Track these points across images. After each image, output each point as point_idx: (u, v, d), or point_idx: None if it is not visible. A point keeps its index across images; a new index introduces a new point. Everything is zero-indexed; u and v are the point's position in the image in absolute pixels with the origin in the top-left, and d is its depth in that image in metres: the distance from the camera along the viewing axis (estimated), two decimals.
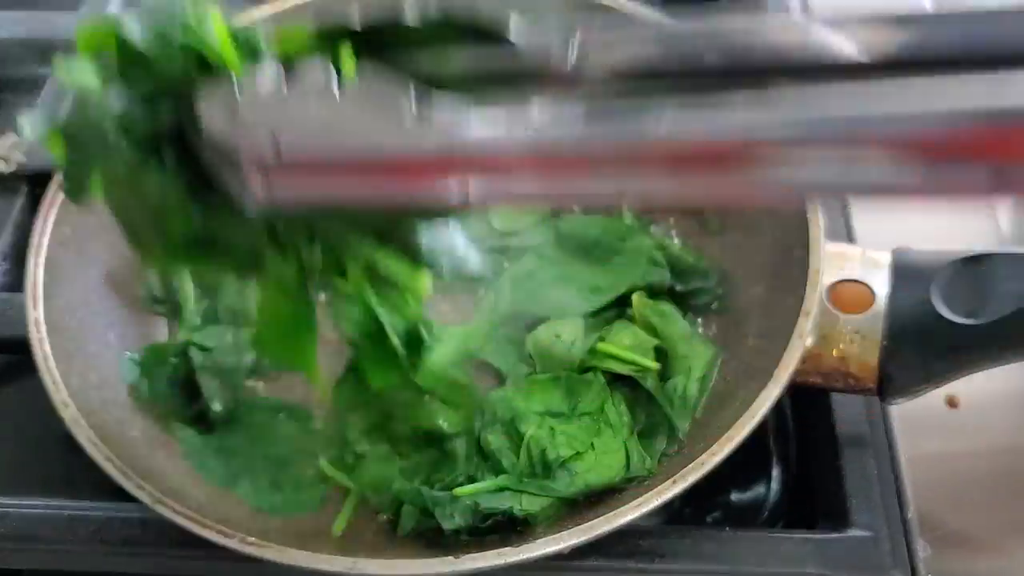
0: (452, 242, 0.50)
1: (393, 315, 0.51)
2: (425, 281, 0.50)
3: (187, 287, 0.66)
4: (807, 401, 0.66)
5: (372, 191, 0.39)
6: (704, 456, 0.51)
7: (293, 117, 0.38)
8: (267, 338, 0.52)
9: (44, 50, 0.85)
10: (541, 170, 0.36)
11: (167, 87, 0.41)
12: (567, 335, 0.63)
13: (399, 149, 0.37)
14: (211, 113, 0.39)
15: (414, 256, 0.48)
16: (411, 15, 0.41)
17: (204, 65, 0.41)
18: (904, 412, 0.64)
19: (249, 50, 0.42)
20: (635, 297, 0.64)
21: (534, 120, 0.36)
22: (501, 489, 0.56)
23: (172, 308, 0.67)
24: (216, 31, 0.41)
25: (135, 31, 0.41)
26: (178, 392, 0.62)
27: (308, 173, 0.39)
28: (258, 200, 0.40)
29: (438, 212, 0.46)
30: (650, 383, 0.60)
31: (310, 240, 0.46)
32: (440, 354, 0.53)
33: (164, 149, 0.42)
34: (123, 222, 0.46)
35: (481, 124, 0.36)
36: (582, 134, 0.35)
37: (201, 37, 0.41)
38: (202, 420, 0.62)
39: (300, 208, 0.42)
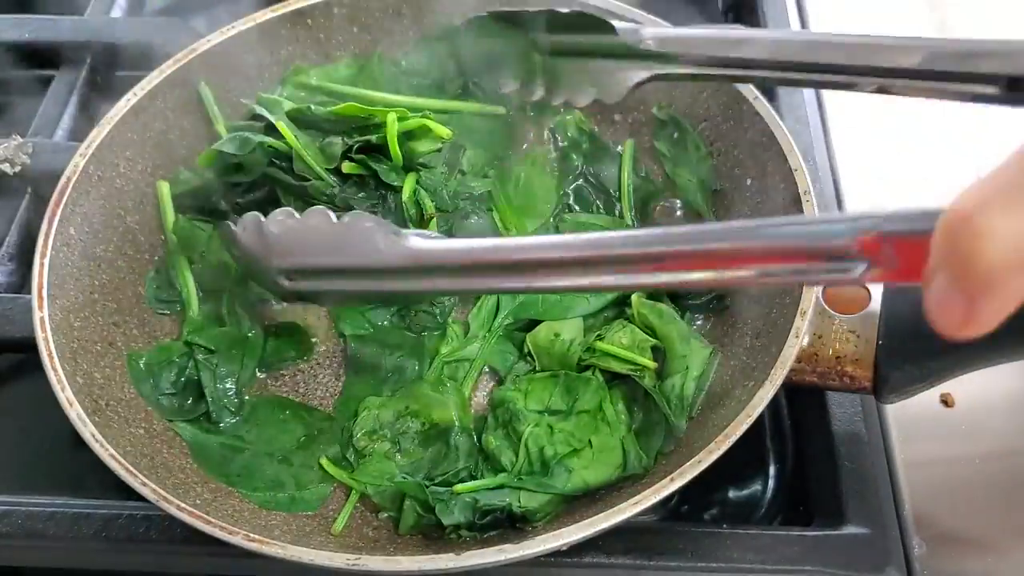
0: None
1: None
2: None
3: (189, 287, 0.66)
4: (803, 400, 0.67)
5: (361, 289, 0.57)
6: (701, 454, 0.51)
7: (305, 239, 0.55)
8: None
9: (48, 53, 0.85)
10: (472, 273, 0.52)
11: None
12: (567, 335, 0.64)
13: (376, 262, 0.53)
14: (244, 234, 0.57)
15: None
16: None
17: None
18: (899, 411, 0.65)
19: None
20: (634, 297, 0.65)
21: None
22: (500, 486, 0.57)
23: (177, 309, 0.67)
24: None
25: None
26: (183, 391, 0.63)
27: (314, 276, 0.56)
28: (284, 289, 0.57)
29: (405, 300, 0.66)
30: (648, 382, 0.61)
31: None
32: None
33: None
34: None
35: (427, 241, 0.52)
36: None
37: None
38: (206, 418, 0.62)
39: (311, 294, 0.58)
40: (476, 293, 0.66)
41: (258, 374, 0.66)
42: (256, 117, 0.68)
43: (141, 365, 0.63)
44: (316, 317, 0.68)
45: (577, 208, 0.73)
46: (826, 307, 0.59)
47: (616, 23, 0.65)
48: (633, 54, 0.64)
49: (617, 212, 0.73)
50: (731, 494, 0.65)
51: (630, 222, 0.71)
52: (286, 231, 0.55)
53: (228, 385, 0.63)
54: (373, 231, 0.53)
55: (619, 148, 0.76)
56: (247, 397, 0.64)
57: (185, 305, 0.66)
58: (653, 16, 0.71)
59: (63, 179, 0.63)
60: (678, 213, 0.73)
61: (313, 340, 0.68)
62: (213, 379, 0.63)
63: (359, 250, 0.53)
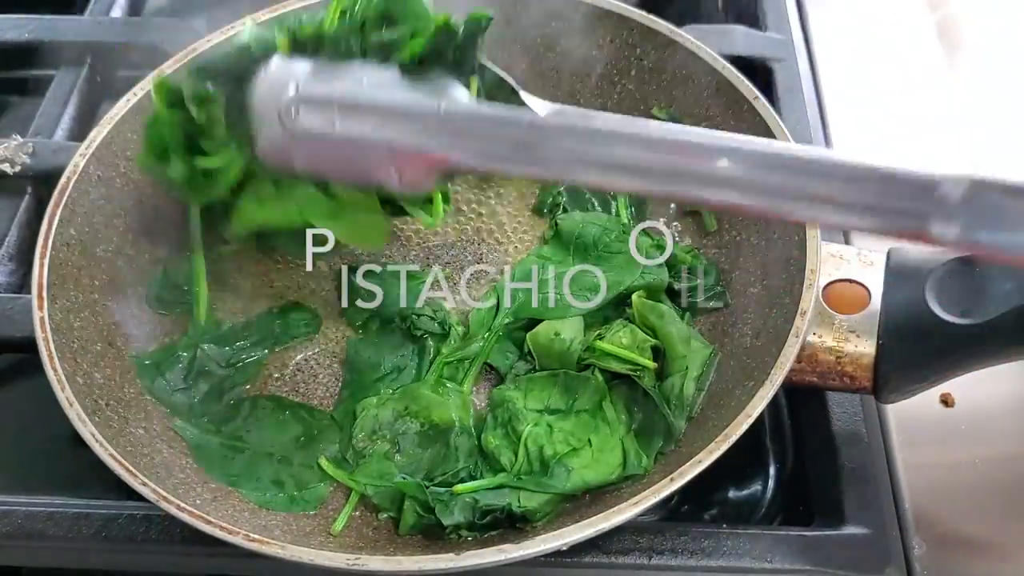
0: None
1: None
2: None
3: (200, 270, 0.67)
4: (803, 400, 0.67)
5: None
6: (701, 454, 0.51)
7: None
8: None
9: (48, 53, 0.85)
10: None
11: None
12: (567, 334, 0.64)
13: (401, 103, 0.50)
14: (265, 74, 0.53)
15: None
16: None
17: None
18: (899, 411, 0.65)
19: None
20: (635, 297, 0.65)
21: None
22: (500, 486, 0.57)
23: (183, 309, 0.67)
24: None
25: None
26: (195, 384, 0.63)
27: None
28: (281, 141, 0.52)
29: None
30: (648, 382, 0.61)
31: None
32: None
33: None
34: None
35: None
36: None
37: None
38: (206, 418, 0.62)
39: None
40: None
41: (276, 349, 0.67)
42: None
43: (150, 365, 0.63)
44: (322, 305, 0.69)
45: (572, 207, 0.73)
46: (826, 307, 0.59)
47: None
48: None
49: (613, 210, 0.72)
50: (731, 494, 0.65)
51: (627, 220, 0.71)
52: (312, 65, 0.53)
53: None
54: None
55: None
56: (248, 397, 0.64)
57: (195, 303, 0.66)
58: (653, 16, 0.71)
59: (63, 179, 0.63)
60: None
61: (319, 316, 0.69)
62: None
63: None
